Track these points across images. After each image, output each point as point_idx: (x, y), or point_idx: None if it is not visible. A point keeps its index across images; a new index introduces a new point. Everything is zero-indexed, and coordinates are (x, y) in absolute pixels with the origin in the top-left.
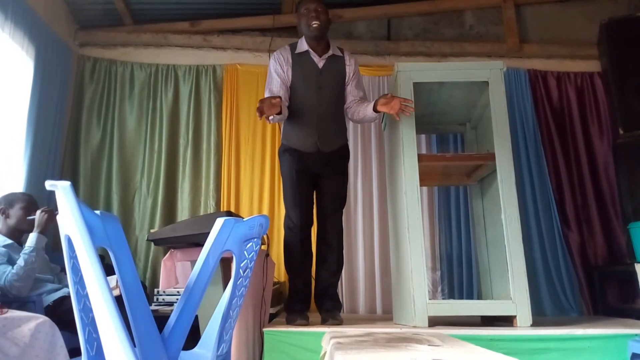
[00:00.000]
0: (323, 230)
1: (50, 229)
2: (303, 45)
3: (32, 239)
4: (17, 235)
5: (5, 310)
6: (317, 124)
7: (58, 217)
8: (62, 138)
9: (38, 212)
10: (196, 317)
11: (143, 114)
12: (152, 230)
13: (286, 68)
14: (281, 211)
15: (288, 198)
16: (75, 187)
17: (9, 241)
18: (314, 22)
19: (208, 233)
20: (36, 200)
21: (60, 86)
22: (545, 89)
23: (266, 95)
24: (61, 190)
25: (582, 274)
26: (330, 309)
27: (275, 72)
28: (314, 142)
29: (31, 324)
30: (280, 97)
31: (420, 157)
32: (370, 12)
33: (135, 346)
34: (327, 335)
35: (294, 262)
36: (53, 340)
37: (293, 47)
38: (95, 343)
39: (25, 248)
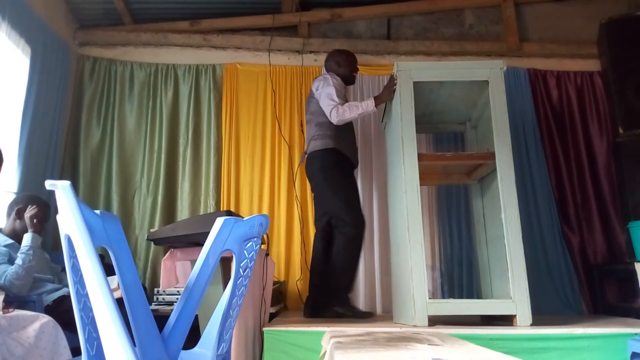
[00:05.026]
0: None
1: (48, 228)
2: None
3: (27, 238)
4: (20, 237)
5: (10, 309)
6: (355, 142)
7: (58, 217)
8: (62, 137)
9: (25, 214)
10: (196, 316)
11: (143, 114)
12: (152, 230)
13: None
14: (281, 210)
15: (354, 200)
16: (75, 186)
17: (10, 241)
18: (355, 74)
19: (208, 232)
20: (50, 207)
21: (59, 85)
22: (545, 88)
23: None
24: (61, 189)
25: (582, 273)
26: None
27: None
28: (357, 158)
29: (36, 325)
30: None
31: (420, 157)
32: (370, 11)
33: (135, 346)
34: (327, 335)
35: (358, 257)
36: (57, 341)
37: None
38: (95, 342)
39: (22, 247)
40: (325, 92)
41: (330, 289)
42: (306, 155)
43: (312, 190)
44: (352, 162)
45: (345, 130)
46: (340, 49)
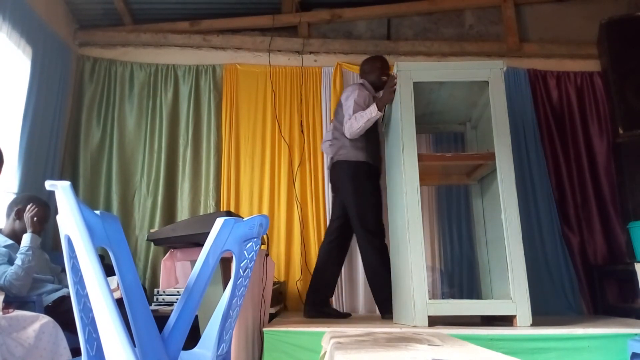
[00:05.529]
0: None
1: (48, 228)
2: (372, 91)
3: (26, 238)
4: (20, 237)
5: (10, 310)
6: (380, 151)
7: (58, 217)
8: (62, 138)
9: (25, 215)
10: (196, 317)
11: (143, 114)
12: (152, 230)
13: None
14: (281, 211)
15: (377, 210)
16: (75, 187)
17: (10, 242)
18: (385, 79)
19: (208, 233)
20: (50, 207)
21: (59, 86)
22: (545, 88)
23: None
24: (61, 190)
25: (582, 273)
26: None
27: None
28: (381, 164)
29: (36, 325)
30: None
31: (420, 157)
32: (370, 12)
33: (135, 346)
34: (327, 335)
35: (389, 262)
36: (57, 342)
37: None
38: (95, 343)
39: (22, 248)
40: (347, 104)
41: (381, 300)
42: (332, 160)
43: (333, 192)
44: (379, 171)
45: (374, 139)
46: (370, 57)
